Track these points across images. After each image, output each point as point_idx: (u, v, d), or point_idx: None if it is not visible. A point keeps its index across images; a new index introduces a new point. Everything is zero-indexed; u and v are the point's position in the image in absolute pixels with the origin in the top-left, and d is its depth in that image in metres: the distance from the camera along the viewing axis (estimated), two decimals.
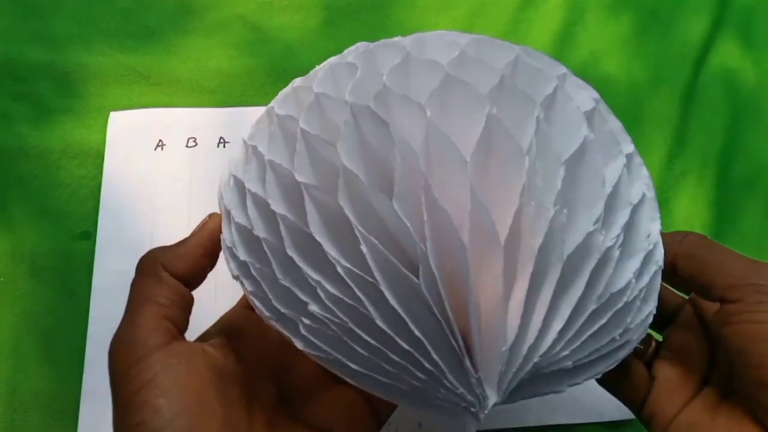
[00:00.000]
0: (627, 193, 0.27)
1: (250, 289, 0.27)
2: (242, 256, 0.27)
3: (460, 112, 0.26)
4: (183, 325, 0.28)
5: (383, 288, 0.24)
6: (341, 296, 0.24)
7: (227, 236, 0.28)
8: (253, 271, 0.27)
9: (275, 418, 0.28)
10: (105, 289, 0.40)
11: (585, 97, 0.28)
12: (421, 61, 0.27)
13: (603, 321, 0.25)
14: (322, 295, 0.25)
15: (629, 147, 0.29)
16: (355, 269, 0.24)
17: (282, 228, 0.26)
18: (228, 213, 0.29)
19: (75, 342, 0.39)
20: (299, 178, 0.26)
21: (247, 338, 0.30)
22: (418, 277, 0.23)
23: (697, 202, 0.45)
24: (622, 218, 0.26)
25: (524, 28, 0.52)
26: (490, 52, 0.28)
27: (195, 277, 0.29)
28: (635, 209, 0.27)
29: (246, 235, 0.28)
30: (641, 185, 0.28)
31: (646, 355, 0.31)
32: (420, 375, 0.24)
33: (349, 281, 0.24)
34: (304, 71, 0.48)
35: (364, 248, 0.24)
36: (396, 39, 0.30)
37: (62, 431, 0.37)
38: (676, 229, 0.43)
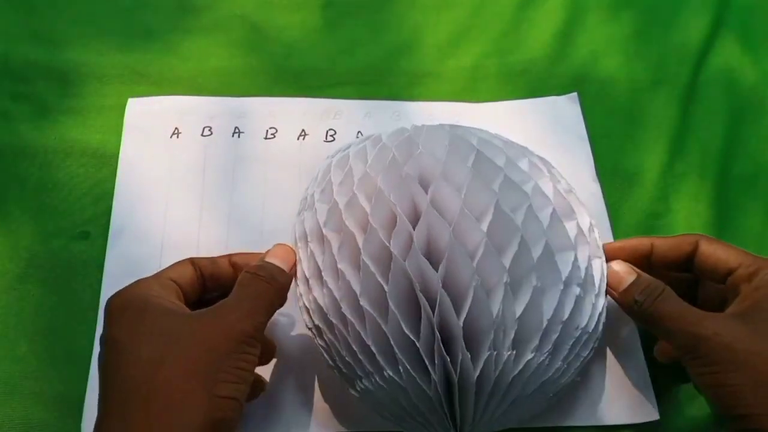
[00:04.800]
0: (560, 313, 0.33)
1: (320, 342, 0.35)
2: (316, 320, 0.35)
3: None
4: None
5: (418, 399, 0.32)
6: (384, 385, 0.32)
7: (305, 295, 0.35)
8: (323, 337, 0.35)
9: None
10: (116, 274, 0.40)
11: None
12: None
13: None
14: (373, 380, 0.33)
15: (569, 258, 0.35)
16: (395, 377, 0.32)
17: (367, 321, 0.32)
18: (306, 280, 0.35)
19: (75, 340, 0.39)
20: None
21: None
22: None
23: (697, 202, 0.45)
24: (554, 334, 0.33)
25: (524, 28, 0.52)
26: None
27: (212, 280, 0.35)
28: (565, 324, 0.33)
29: (321, 311, 0.34)
30: (575, 288, 0.34)
31: None
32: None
33: (405, 376, 0.32)
34: (304, 71, 0.49)
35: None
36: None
37: (63, 431, 0.37)
38: (677, 229, 0.43)
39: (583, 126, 0.47)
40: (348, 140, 0.45)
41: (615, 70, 0.50)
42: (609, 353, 0.39)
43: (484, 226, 0.32)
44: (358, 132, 0.46)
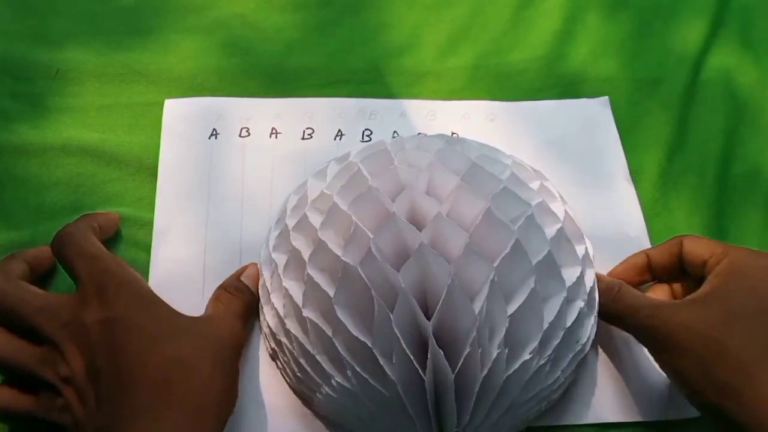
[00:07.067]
0: (562, 320, 0.34)
1: (278, 364, 0.36)
2: (271, 343, 0.36)
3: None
4: None
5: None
6: (348, 386, 0.32)
7: (262, 321, 0.37)
8: (278, 358, 0.36)
9: None
10: (162, 275, 0.40)
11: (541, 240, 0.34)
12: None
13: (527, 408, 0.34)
14: (333, 383, 0.33)
15: (576, 269, 0.35)
16: (365, 375, 0.32)
17: (310, 331, 0.33)
18: (266, 296, 0.37)
19: None
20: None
21: None
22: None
23: (697, 202, 0.45)
24: (555, 340, 0.33)
25: (524, 28, 0.52)
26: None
27: None
28: (567, 333, 0.34)
29: (270, 332, 0.36)
30: (580, 302, 0.35)
31: None
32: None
33: (355, 380, 0.32)
34: (303, 70, 0.48)
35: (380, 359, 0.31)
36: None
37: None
38: (676, 229, 0.43)
39: (615, 129, 0.47)
40: (384, 140, 0.44)
41: (615, 70, 0.50)
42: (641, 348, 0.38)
43: (469, 230, 0.32)
44: (394, 132, 0.46)
